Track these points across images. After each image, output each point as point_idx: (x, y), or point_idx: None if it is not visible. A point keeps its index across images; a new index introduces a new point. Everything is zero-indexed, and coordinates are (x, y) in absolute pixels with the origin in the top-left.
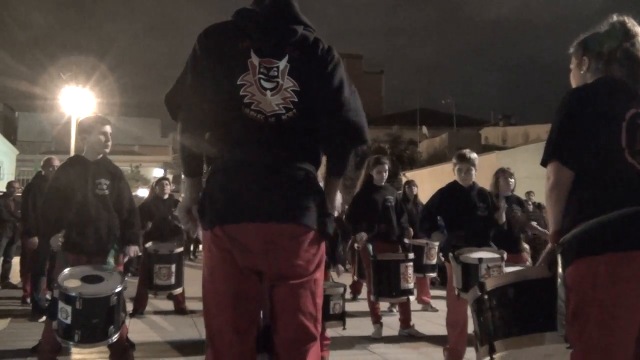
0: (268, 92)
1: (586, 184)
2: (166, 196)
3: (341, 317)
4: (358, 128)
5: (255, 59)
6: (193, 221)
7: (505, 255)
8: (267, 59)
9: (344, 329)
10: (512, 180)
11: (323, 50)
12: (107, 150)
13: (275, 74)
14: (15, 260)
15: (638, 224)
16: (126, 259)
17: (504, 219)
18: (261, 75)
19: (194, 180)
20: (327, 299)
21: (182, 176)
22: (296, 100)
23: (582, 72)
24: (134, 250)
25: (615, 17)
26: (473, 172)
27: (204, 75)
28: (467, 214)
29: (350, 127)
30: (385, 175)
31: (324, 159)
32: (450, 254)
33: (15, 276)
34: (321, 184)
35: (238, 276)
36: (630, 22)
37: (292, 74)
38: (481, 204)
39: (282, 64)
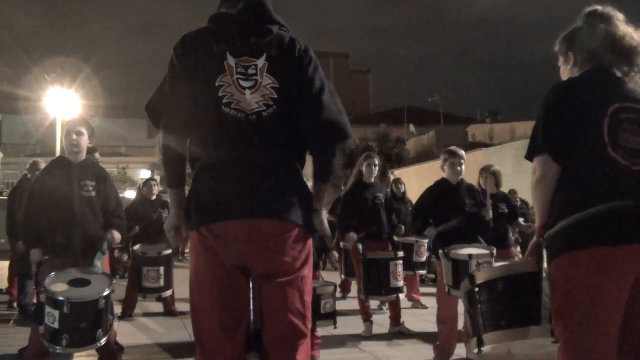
0: (247, 91)
1: (571, 179)
2: (154, 197)
3: (332, 316)
4: (341, 125)
5: (231, 60)
6: (181, 239)
7: (495, 252)
8: (243, 58)
9: (335, 328)
10: (496, 177)
11: (300, 50)
12: (74, 151)
13: (254, 72)
14: (4, 265)
15: (620, 218)
16: (105, 247)
17: (490, 215)
18: (239, 75)
19: (178, 192)
20: (318, 298)
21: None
22: (276, 97)
23: (570, 67)
24: (117, 237)
25: (588, 9)
26: (463, 167)
27: (183, 81)
28: (456, 211)
29: (333, 125)
30: (375, 170)
31: (308, 158)
32: (441, 251)
33: (1, 281)
34: (307, 182)
35: (225, 275)
36: (603, 9)
37: (271, 71)
38: (470, 201)
39: (261, 62)
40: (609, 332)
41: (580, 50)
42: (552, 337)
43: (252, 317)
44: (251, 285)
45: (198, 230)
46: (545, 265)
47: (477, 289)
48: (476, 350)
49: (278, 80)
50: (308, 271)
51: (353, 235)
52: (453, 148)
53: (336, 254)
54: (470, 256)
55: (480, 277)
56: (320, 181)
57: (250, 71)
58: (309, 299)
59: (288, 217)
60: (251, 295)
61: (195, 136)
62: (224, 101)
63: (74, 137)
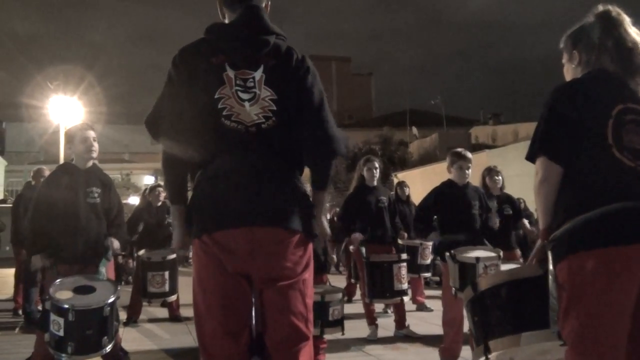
0: (246, 103)
1: (575, 180)
2: (160, 203)
3: (340, 322)
4: (339, 140)
5: (230, 72)
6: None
7: (501, 254)
8: (242, 71)
9: (343, 334)
10: (499, 178)
11: (297, 59)
12: (93, 156)
13: (252, 84)
14: (3, 272)
15: (626, 219)
16: (109, 254)
17: (497, 223)
18: (238, 88)
19: (181, 208)
20: (326, 305)
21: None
22: (275, 108)
23: (573, 66)
24: (116, 245)
25: (600, 7)
26: (470, 170)
27: (182, 93)
28: (462, 213)
29: (332, 140)
30: (376, 173)
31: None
32: (447, 254)
33: (4, 288)
34: (307, 187)
35: (227, 281)
36: (615, 11)
37: (269, 83)
38: (476, 203)
39: (258, 74)
40: (617, 333)
41: (587, 50)
42: (560, 340)
43: (253, 322)
44: (252, 290)
45: (200, 238)
46: (550, 267)
47: (481, 296)
48: (482, 358)
49: (276, 91)
50: (309, 275)
51: (358, 235)
52: (461, 150)
53: (335, 257)
54: (477, 259)
55: (484, 284)
56: (319, 189)
57: (249, 83)
58: (310, 301)
59: (288, 224)
60: (253, 300)
61: (196, 147)
62: (224, 113)
63: (93, 142)
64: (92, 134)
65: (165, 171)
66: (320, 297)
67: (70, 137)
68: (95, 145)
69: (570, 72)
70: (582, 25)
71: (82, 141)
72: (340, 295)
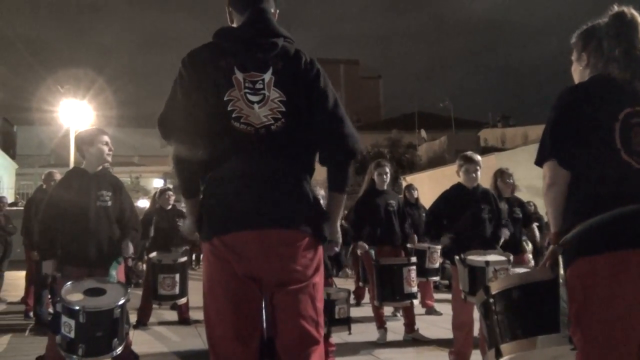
0: (255, 105)
1: (584, 184)
2: (169, 207)
3: (346, 321)
4: (355, 142)
5: (239, 75)
6: None
7: (511, 258)
8: (251, 73)
9: (350, 333)
10: (511, 180)
11: (306, 62)
12: (109, 159)
13: (261, 86)
14: (14, 275)
15: (637, 222)
16: (120, 257)
17: (507, 235)
18: (247, 90)
19: (193, 201)
20: (332, 303)
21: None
22: (284, 109)
23: (581, 68)
24: (130, 248)
25: (615, 8)
26: (479, 173)
27: (192, 95)
28: (470, 216)
29: (350, 138)
30: (387, 178)
31: (318, 166)
32: (457, 257)
33: (8, 291)
34: (319, 191)
35: (237, 284)
36: (630, 13)
37: (278, 85)
38: (485, 206)
39: (267, 76)
40: (629, 337)
41: (595, 55)
42: (571, 344)
43: (264, 326)
44: (263, 294)
45: (210, 241)
46: (561, 271)
47: (492, 299)
48: None
49: (285, 93)
50: (319, 278)
51: (364, 245)
52: (469, 153)
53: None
54: (487, 262)
55: (496, 287)
56: (337, 192)
57: (258, 85)
58: (320, 305)
59: (298, 227)
60: (263, 304)
61: (206, 149)
62: (233, 115)
63: (109, 146)
64: (108, 139)
65: (177, 169)
66: (325, 296)
67: (90, 140)
68: (111, 150)
69: (577, 72)
70: (594, 26)
71: (104, 144)
72: (345, 294)
